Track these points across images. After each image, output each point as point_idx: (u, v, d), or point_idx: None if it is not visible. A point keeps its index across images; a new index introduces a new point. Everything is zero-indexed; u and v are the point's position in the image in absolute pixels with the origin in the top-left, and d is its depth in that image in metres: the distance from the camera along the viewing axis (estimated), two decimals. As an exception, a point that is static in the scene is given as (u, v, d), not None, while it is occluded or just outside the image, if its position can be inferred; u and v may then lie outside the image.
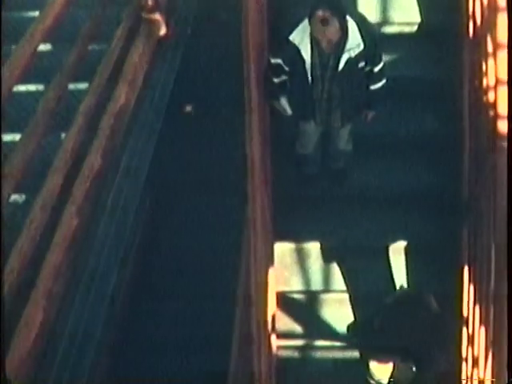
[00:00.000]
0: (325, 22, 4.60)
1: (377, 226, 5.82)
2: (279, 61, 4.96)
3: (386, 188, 5.91)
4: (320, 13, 4.59)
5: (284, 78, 5.06)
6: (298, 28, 4.82)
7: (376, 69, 5.01)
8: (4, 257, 2.53)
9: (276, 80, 5.07)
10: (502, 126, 4.20)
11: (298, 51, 4.83)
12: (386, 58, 5.35)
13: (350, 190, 5.94)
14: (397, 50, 6.06)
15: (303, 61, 4.86)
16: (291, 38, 4.82)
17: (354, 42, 4.80)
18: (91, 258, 3.41)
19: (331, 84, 4.98)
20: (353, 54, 4.83)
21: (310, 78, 4.95)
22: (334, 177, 5.88)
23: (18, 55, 2.80)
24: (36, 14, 4.24)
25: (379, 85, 5.11)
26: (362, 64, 4.93)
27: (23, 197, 3.38)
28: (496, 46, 4.30)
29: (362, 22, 4.95)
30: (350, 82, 5.00)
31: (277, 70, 5.02)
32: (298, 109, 5.21)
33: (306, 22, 4.78)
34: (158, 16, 3.95)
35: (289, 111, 5.28)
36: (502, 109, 4.18)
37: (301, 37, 4.81)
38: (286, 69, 4.99)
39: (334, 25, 4.65)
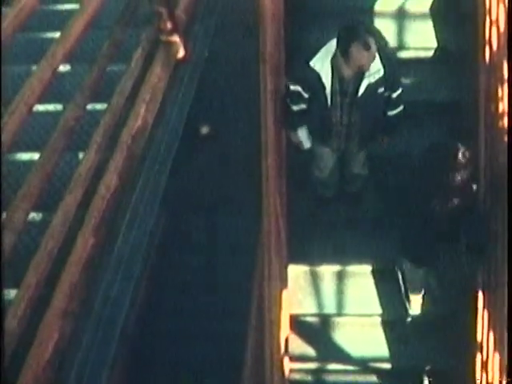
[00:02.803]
0: (367, 46, 4.61)
1: (390, 249, 5.82)
2: (298, 88, 4.96)
3: (400, 212, 5.90)
4: (365, 37, 4.61)
5: (303, 106, 5.04)
6: (319, 54, 4.82)
7: (394, 95, 5.01)
8: (12, 268, 2.54)
9: (295, 108, 5.08)
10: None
11: (318, 77, 4.84)
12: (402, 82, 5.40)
13: (364, 214, 5.94)
14: (413, 75, 6.08)
15: (323, 87, 4.86)
16: (312, 63, 4.82)
17: (375, 68, 4.80)
18: (106, 278, 3.41)
19: (350, 110, 4.98)
20: (373, 79, 4.84)
21: (329, 103, 4.94)
22: (349, 200, 5.88)
23: (38, 76, 2.82)
24: (55, 34, 4.32)
25: (397, 111, 5.11)
26: (381, 90, 4.92)
27: (40, 215, 3.40)
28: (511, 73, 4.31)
29: (382, 46, 4.96)
30: (369, 107, 4.99)
31: (296, 97, 5.03)
32: (316, 134, 5.22)
33: (327, 47, 4.78)
34: (176, 38, 3.98)
35: (306, 145, 5.30)
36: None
37: (321, 63, 4.81)
38: (306, 96, 4.97)
39: (373, 49, 4.66)
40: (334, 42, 4.80)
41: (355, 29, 4.71)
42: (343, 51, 4.67)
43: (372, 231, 5.85)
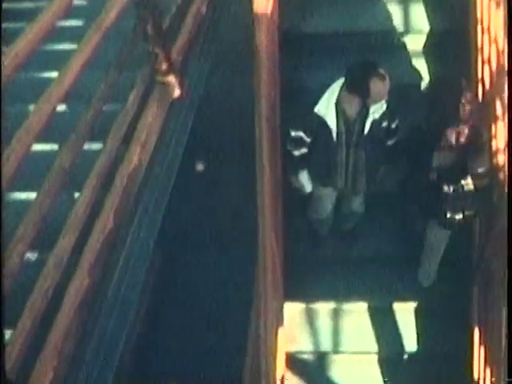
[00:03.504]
0: (383, 77, 4.64)
1: (386, 287, 5.81)
2: (300, 133, 4.95)
3: (396, 248, 5.92)
4: (379, 69, 4.64)
5: (304, 150, 5.03)
6: (323, 98, 4.80)
7: (393, 125, 5.00)
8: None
9: (296, 153, 5.06)
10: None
11: (323, 122, 4.81)
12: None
13: (360, 251, 5.95)
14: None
15: (329, 130, 4.84)
16: (316, 110, 4.81)
17: (379, 103, 4.81)
18: (101, 318, 3.41)
19: (356, 148, 4.97)
20: (377, 115, 4.84)
21: (334, 145, 4.93)
22: (345, 237, 5.89)
23: (35, 116, 2.85)
24: (51, 74, 4.35)
25: (395, 139, 5.11)
26: (385, 124, 4.93)
27: (35, 255, 3.40)
28: (505, 110, 4.35)
29: None
30: (374, 143, 5.00)
31: (297, 142, 5.01)
32: (318, 176, 5.21)
33: (331, 90, 4.79)
34: (171, 79, 4.02)
35: (308, 188, 5.30)
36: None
37: (326, 106, 4.79)
38: (308, 140, 4.96)
39: (387, 78, 4.68)
40: (336, 84, 4.80)
41: (369, 64, 4.72)
42: (359, 88, 4.66)
43: (367, 268, 5.85)
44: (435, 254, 5.67)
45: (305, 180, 5.27)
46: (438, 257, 5.68)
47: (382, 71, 4.63)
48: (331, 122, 4.81)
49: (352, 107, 4.80)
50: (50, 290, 2.91)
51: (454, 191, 5.00)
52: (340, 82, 4.80)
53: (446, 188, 4.99)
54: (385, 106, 4.83)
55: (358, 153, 5.01)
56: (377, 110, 4.83)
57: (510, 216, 3.75)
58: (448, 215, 5.10)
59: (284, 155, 5.23)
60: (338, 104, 4.78)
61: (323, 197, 5.43)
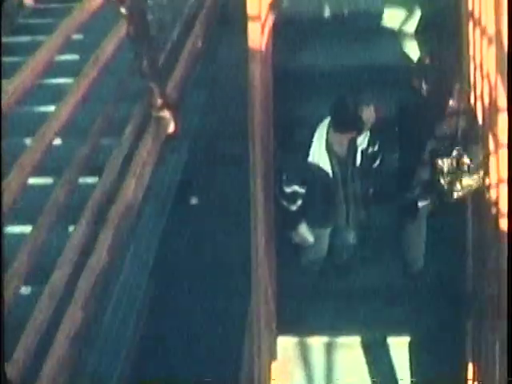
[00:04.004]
0: (368, 103, 4.65)
1: (380, 320, 5.81)
2: (295, 187, 4.92)
3: (390, 282, 5.93)
4: (363, 97, 4.66)
5: (300, 202, 5.00)
6: (313, 147, 4.80)
7: (376, 147, 5.03)
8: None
9: (293, 208, 5.03)
10: (504, 223, 4.25)
11: (317, 169, 4.82)
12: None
13: (353, 284, 5.95)
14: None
15: (324, 174, 4.83)
16: (309, 160, 4.81)
17: (364, 133, 4.85)
18: (94, 351, 3.41)
19: (353, 182, 4.99)
20: (364, 145, 4.89)
21: (331, 186, 4.93)
22: (338, 271, 5.89)
23: (31, 151, 2.87)
24: (49, 108, 4.39)
25: (378, 161, 5.13)
26: (371, 150, 4.96)
27: (29, 289, 3.40)
28: (497, 145, 4.38)
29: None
30: (367, 171, 5.03)
31: (293, 197, 4.98)
32: (318, 221, 5.21)
33: (318, 135, 4.79)
34: (166, 113, 4.05)
35: (310, 239, 5.30)
36: (504, 206, 4.24)
37: (318, 154, 4.79)
38: (303, 191, 4.93)
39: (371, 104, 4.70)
40: (322, 128, 4.81)
41: (354, 96, 4.74)
42: (351, 122, 4.67)
43: (360, 302, 5.85)
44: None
45: (305, 232, 5.26)
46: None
47: (365, 98, 4.65)
48: (326, 166, 4.81)
49: (342, 145, 4.82)
50: (44, 323, 2.91)
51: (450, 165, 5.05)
52: (325, 124, 4.80)
53: (441, 162, 5.02)
54: (369, 133, 4.87)
55: (355, 186, 5.03)
56: (363, 140, 4.87)
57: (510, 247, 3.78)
58: (445, 188, 5.12)
59: (278, 210, 5.19)
60: (328, 147, 4.78)
61: (321, 237, 5.41)
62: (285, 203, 5.03)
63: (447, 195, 5.11)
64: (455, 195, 5.09)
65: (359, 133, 4.78)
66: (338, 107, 4.70)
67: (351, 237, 5.58)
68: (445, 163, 4.99)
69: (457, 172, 4.99)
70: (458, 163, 4.98)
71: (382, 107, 4.74)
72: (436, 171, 5.04)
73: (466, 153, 4.96)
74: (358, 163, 4.93)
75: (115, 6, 3.63)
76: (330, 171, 4.84)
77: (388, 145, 5.23)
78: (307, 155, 4.81)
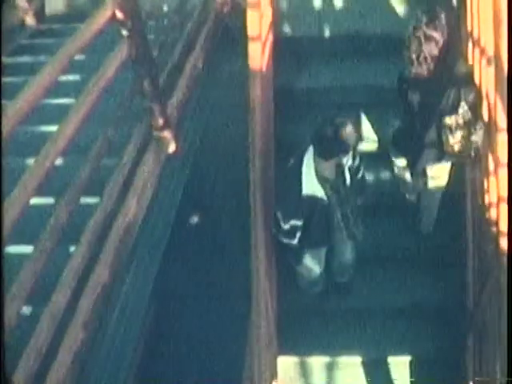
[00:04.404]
0: (345, 122, 4.62)
1: (380, 339, 5.80)
2: (293, 222, 4.83)
3: (390, 300, 5.92)
4: (339, 118, 4.64)
5: (299, 233, 4.92)
6: (304, 180, 4.75)
7: (356, 161, 5.03)
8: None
9: (294, 242, 4.96)
10: (505, 243, 4.26)
11: (312, 199, 4.79)
12: (390, 174, 5.54)
13: (354, 303, 5.94)
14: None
15: (319, 201, 4.80)
16: (304, 193, 4.80)
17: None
18: (95, 371, 3.41)
19: (348, 201, 5.00)
20: (350, 162, 4.91)
21: (328, 211, 4.92)
22: (338, 291, 5.89)
23: (33, 171, 2.89)
24: (50, 128, 4.40)
25: (362, 171, 5.13)
26: (355, 164, 4.98)
27: (30, 309, 3.40)
28: (497, 165, 4.39)
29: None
30: (355, 185, 5.05)
31: (292, 232, 4.90)
32: (318, 244, 5.19)
33: (306, 166, 4.75)
34: (167, 134, 4.07)
35: (317, 269, 5.29)
36: (504, 225, 4.24)
37: (310, 185, 4.76)
38: (300, 223, 4.86)
39: (347, 121, 4.68)
40: (307, 158, 4.77)
41: (331, 121, 4.71)
42: (335, 147, 4.65)
43: (361, 321, 5.85)
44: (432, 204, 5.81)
45: (311, 263, 5.24)
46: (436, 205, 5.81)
47: (340, 118, 4.62)
48: (320, 194, 4.77)
49: (331, 170, 4.80)
50: (45, 343, 2.91)
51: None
52: (310, 153, 4.77)
53: (448, 120, 5.01)
54: (351, 152, 4.86)
55: (350, 204, 5.03)
56: (348, 159, 4.87)
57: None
58: (450, 142, 5.11)
59: (279, 248, 5.16)
60: (318, 176, 4.75)
61: (318, 258, 5.40)
62: (286, 240, 4.95)
63: (455, 153, 5.18)
64: (464, 152, 5.16)
65: (345, 154, 4.77)
66: (319, 138, 4.65)
67: (350, 253, 5.58)
68: (452, 121, 5.05)
69: (464, 128, 5.04)
70: (463, 120, 5.04)
71: (359, 124, 4.74)
72: (444, 130, 5.08)
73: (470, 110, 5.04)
74: (348, 181, 4.95)
75: (116, 27, 3.64)
76: (324, 198, 4.81)
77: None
78: (300, 190, 4.75)
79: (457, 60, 5.12)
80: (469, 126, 5.04)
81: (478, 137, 5.04)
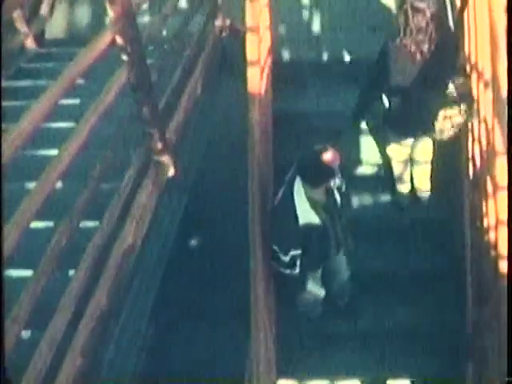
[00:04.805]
0: (325, 148, 4.59)
1: (380, 363, 5.78)
2: (292, 252, 4.81)
3: (390, 325, 5.91)
4: (317, 147, 4.62)
5: (298, 261, 4.88)
6: (299, 210, 4.72)
7: (341, 178, 5.02)
8: None
9: (296, 270, 4.92)
10: (504, 266, 4.26)
11: (308, 227, 4.75)
12: (389, 197, 5.53)
13: (353, 326, 5.94)
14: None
15: (315, 226, 4.79)
16: (300, 224, 4.74)
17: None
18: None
19: (341, 220, 5.00)
20: (338, 182, 4.92)
21: (325, 234, 4.91)
22: (338, 312, 5.88)
23: (33, 195, 2.89)
24: (49, 152, 4.42)
25: (344, 185, 5.13)
26: (341, 181, 4.99)
27: (28, 333, 3.40)
28: (495, 188, 4.40)
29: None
30: (347, 204, 5.06)
31: (291, 262, 4.85)
32: (316, 266, 5.18)
33: (297, 196, 4.73)
34: (166, 158, 4.08)
35: (321, 293, 5.28)
36: (503, 249, 4.25)
37: (305, 213, 4.73)
38: (299, 252, 4.83)
39: (328, 147, 4.66)
40: (297, 187, 4.74)
41: (309, 152, 4.69)
42: (322, 174, 4.63)
43: (361, 344, 5.84)
44: None
45: (314, 288, 5.24)
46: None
47: (319, 145, 4.61)
48: (315, 220, 4.75)
49: (322, 194, 4.81)
50: (44, 368, 2.91)
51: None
52: (298, 183, 4.75)
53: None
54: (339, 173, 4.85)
55: (343, 222, 5.03)
56: (335, 180, 4.88)
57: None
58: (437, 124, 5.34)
59: (281, 279, 5.14)
60: (310, 201, 4.74)
61: (318, 280, 5.40)
62: (287, 271, 4.90)
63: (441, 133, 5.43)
64: (448, 133, 5.41)
65: (332, 178, 4.76)
66: (303, 168, 4.65)
67: (345, 271, 5.58)
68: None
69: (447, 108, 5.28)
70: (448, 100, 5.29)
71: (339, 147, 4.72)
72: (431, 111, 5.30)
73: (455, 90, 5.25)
74: (339, 202, 4.96)
75: (116, 52, 3.66)
76: (320, 223, 4.80)
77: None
78: (296, 220, 4.72)
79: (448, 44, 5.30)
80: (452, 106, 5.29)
81: (461, 117, 5.24)
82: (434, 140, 5.62)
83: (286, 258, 4.80)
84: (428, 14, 5.03)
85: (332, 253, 5.13)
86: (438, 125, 5.32)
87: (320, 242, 4.92)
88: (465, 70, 5.34)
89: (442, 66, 5.24)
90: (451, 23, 5.46)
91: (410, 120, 5.41)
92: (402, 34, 5.13)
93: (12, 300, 2.83)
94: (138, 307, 3.91)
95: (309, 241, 4.81)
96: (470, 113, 5.25)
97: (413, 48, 5.12)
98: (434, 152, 5.81)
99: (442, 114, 5.30)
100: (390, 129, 5.65)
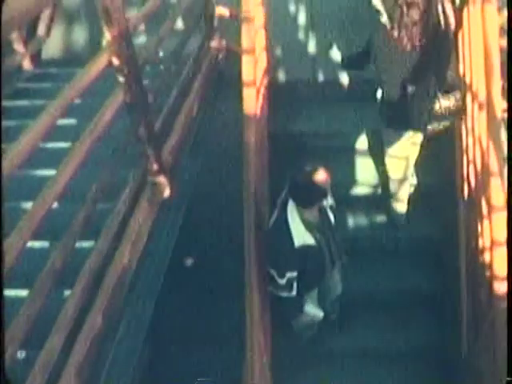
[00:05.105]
0: (315, 169, 4.59)
1: (376, 380, 5.78)
2: (288, 274, 4.76)
3: (385, 345, 5.91)
4: (307, 168, 4.62)
5: (295, 283, 4.83)
6: (294, 233, 4.69)
7: (331, 197, 5.04)
8: None
9: (294, 292, 4.87)
10: (499, 287, 4.26)
11: (304, 249, 4.72)
12: (383, 217, 5.53)
13: (348, 346, 5.93)
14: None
15: (311, 247, 4.77)
16: (296, 245, 4.69)
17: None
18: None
19: (334, 238, 5.00)
20: (330, 201, 4.94)
21: (320, 254, 4.91)
22: (332, 329, 5.87)
23: (30, 216, 2.90)
24: (45, 172, 4.42)
25: (334, 203, 5.14)
26: (332, 201, 5.00)
27: (23, 354, 3.39)
28: (490, 208, 4.41)
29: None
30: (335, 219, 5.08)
31: (289, 284, 4.82)
32: (312, 286, 5.18)
33: (291, 219, 4.72)
34: (162, 179, 4.09)
35: (320, 314, 5.26)
36: (499, 269, 4.26)
37: (300, 234, 4.71)
38: (295, 274, 4.79)
39: (319, 167, 4.66)
40: (290, 210, 4.70)
41: (300, 173, 4.69)
42: (314, 194, 4.62)
43: (357, 364, 5.83)
44: None
45: (312, 309, 5.21)
46: None
47: (309, 166, 4.60)
48: (311, 241, 4.74)
49: (315, 215, 4.81)
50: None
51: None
52: (291, 205, 4.75)
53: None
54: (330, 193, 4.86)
55: (336, 240, 5.03)
56: (327, 200, 4.89)
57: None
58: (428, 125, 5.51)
59: (279, 303, 5.13)
60: (304, 223, 4.74)
61: (315, 300, 5.39)
62: (285, 294, 4.86)
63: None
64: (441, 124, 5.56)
65: (324, 198, 4.78)
66: (295, 190, 4.62)
67: (339, 287, 5.58)
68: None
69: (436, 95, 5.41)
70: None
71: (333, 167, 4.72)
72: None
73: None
74: (333, 220, 4.97)
75: (112, 72, 3.68)
76: (315, 244, 4.80)
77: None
78: (292, 243, 4.69)
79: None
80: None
81: (449, 101, 5.41)
82: (426, 135, 5.69)
83: (283, 281, 4.77)
84: (421, 8, 5.12)
85: (327, 271, 5.13)
86: (431, 115, 5.45)
87: (315, 263, 4.92)
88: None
89: (434, 59, 5.33)
90: (441, 17, 5.54)
91: (403, 112, 5.50)
92: (395, 29, 5.22)
93: (7, 319, 2.83)
94: (133, 328, 3.90)
95: (304, 262, 4.80)
96: (460, 103, 5.39)
97: (405, 41, 5.21)
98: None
99: (435, 104, 5.44)
100: (385, 123, 5.72)
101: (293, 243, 4.68)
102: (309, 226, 4.75)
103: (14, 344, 2.71)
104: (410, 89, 5.34)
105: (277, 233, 4.75)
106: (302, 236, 4.71)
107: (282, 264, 4.78)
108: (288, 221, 4.69)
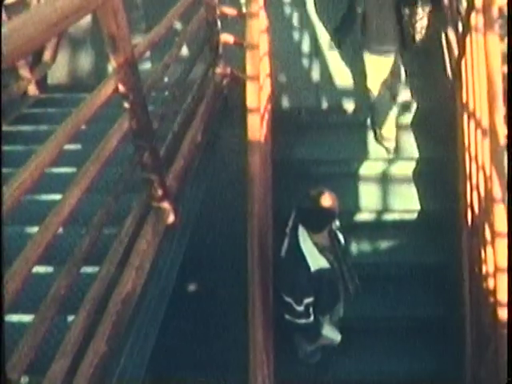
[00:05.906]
0: (321, 191, 4.59)
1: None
2: (305, 301, 4.72)
3: (387, 371, 5.89)
4: (311, 192, 4.62)
5: (311, 309, 4.81)
6: (308, 259, 4.67)
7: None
8: None
9: (311, 320, 4.85)
10: (503, 313, 4.26)
11: (319, 273, 4.70)
12: (387, 244, 5.52)
13: (351, 373, 5.91)
14: (397, 237, 6.22)
15: (325, 271, 4.74)
16: (312, 270, 4.68)
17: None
18: None
19: (346, 258, 5.00)
20: (337, 223, 4.95)
21: (334, 276, 4.89)
22: (335, 355, 5.85)
23: (35, 242, 2.90)
24: (49, 197, 4.44)
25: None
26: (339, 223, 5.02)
27: (26, 379, 3.38)
28: (494, 235, 4.42)
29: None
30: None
31: (306, 310, 4.76)
32: (326, 311, 5.15)
33: (303, 244, 4.71)
34: (166, 205, 4.10)
35: (337, 338, 5.21)
36: (503, 296, 4.25)
37: (314, 260, 4.69)
38: (311, 299, 4.76)
39: (324, 189, 4.66)
40: (302, 238, 4.70)
41: (307, 199, 4.69)
42: (323, 219, 4.63)
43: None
44: None
45: (329, 332, 5.16)
46: None
47: (314, 190, 4.61)
48: (324, 264, 4.74)
49: (326, 238, 4.82)
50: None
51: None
52: (302, 231, 4.74)
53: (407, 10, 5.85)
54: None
55: (347, 262, 5.02)
56: (336, 222, 4.90)
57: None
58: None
59: (297, 330, 5.12)
60: (317, 247, 4.73)
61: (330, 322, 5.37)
62: (302, 321, 4.80)
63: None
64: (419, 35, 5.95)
65: (333, 220, 4.79)
66: (304, 216, 4.64)
67: (342, 309, 5.56)
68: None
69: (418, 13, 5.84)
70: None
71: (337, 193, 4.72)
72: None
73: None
74: (343, 241, 4.98)
75: (117, 98, 3.70)
76: (329, 266, 4.79)
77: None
78: (308, 268, 4.66)
79: None
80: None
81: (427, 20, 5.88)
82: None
83: (301, 308, 4.72)
84: None
85: (341, 294, 5.11)
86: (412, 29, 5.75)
87: (331, 285, 4.90)
88: None
89: None
90: None
91: (384, 29, 5.92)
92: None
93: (11, 345, 2.83)
94: (136, 354, 3.89)
95: (320, 286, 4.79)
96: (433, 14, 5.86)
97: None
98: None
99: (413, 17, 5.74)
100: (366, 40, 6.14)
101: (309, 268, 4.65)
102: (322, 250, 4.73)
103: (18, 369, 2.70)
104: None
105: (291, 260, 4.72)
106: (316, 260, 4.69)
107: (299, 291, 4.73)
108: (301, 247, 4.68)
